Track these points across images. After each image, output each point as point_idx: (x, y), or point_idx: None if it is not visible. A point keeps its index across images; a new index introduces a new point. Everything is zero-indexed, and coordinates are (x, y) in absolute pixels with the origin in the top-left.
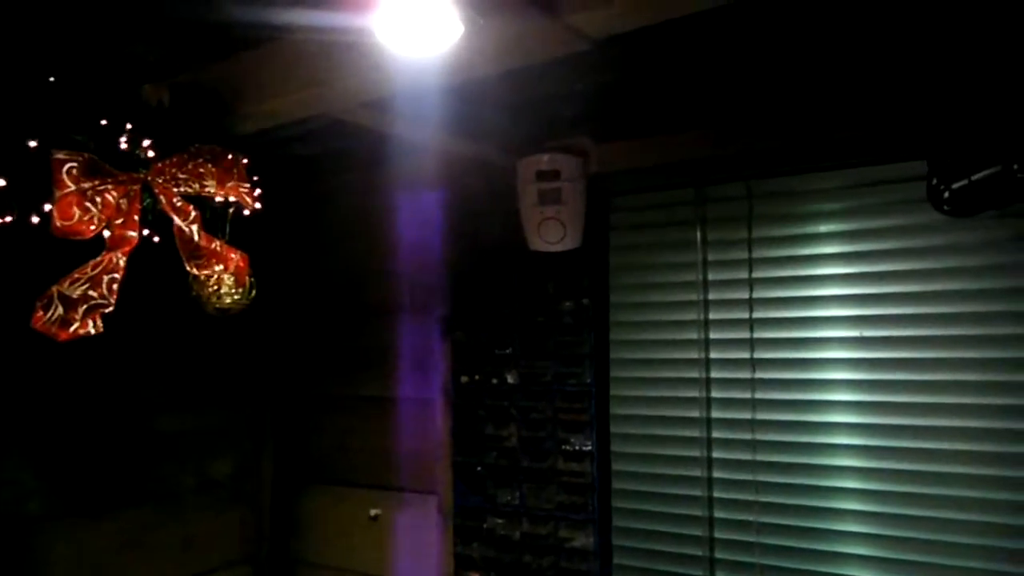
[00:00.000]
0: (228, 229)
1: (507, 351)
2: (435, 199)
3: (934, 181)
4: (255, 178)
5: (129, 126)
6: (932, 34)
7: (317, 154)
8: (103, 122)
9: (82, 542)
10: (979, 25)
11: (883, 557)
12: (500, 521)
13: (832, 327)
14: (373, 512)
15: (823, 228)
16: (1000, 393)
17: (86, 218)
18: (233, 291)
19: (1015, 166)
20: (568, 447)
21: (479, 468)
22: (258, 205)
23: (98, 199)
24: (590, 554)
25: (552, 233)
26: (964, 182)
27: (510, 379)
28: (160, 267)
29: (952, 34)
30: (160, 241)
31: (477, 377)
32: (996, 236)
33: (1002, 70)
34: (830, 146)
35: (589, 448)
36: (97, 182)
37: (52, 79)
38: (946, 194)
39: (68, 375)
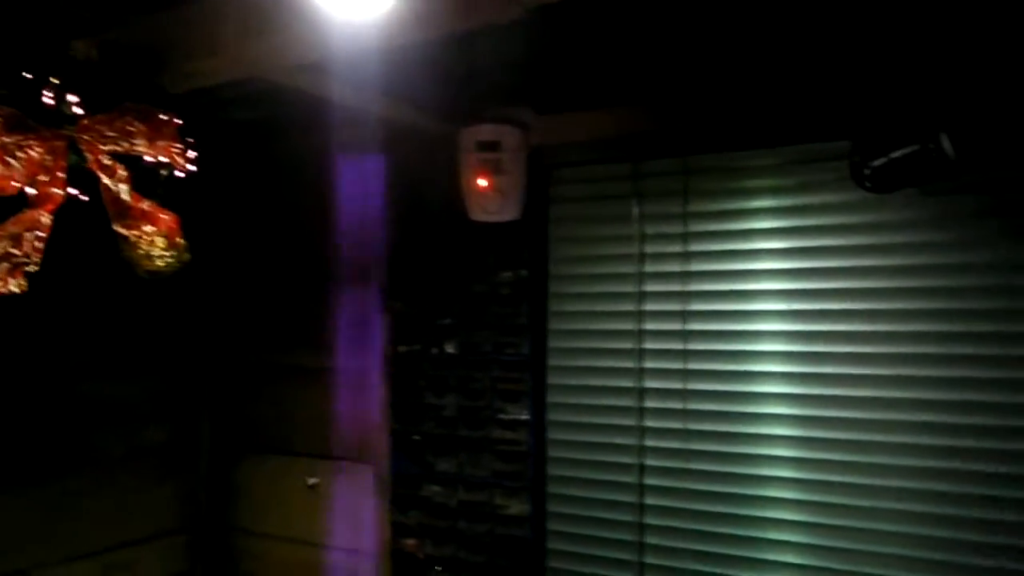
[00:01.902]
0: (161, 191)
1: (446, 321)
2: (375, 167)
3: (856, 158)
4: (189, 140)
5: (55, 81)
6: (856, 16)
7: (256, 118)
8: (26, 75)
9: (10, 512)
10: (899, 9)
11: (810, 522)
12: (437, 489)
13: (764, 300)
14: (311, 481)
15: (756, 204)
16: (921, 365)
17: (8, 173)
18: (165, 253)
19: (931, 145)
20: (505, 416)
21: (417, 437)
22: (192, 167)
23: (20, 155)
24: (525, 520)
25: (492, 203)
26: (884, 160)
27: (449, 349)
28: (89, 227)
29: (874, 17)
30: (89, 200)
31: (416, 347)
32: (918, 215)
33: (921, 52)
34: (762, 124)
35: (526, 417)
36: (19, 137)
37: None
38: (867, 171)
39: None
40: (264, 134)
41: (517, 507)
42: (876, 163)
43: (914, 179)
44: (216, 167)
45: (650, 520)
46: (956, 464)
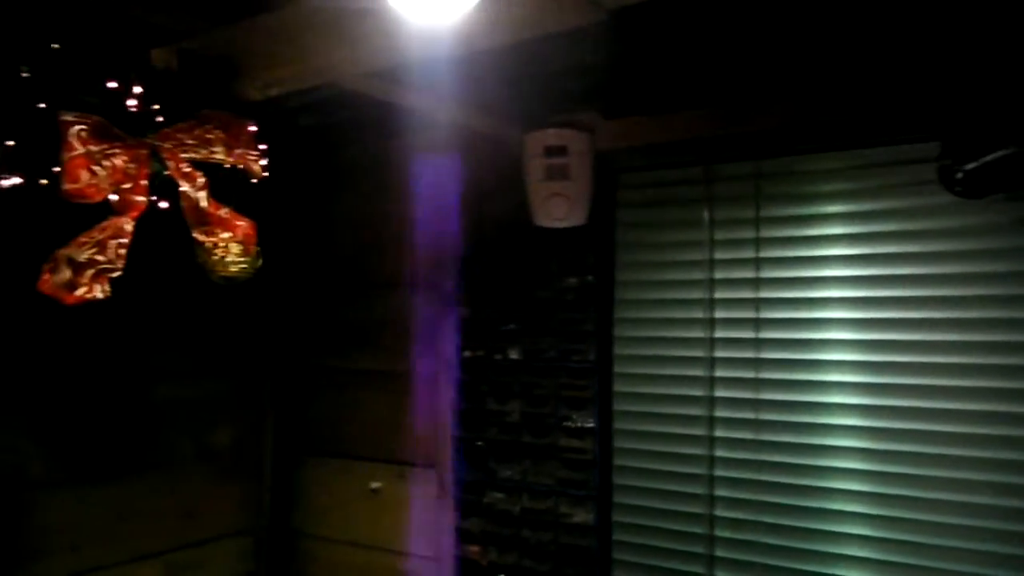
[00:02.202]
0: (235, 197)
1: (511, 327)
2: (443, 173)
3: (947, 162)
4: (263, 146)
5: (138, 89)
6: (948, 12)
7: (325, 124)
8: (112, 85)
9: (82, 509)
10: (996, 3)
11: (882, 537)
12: (500, 496)
13: (839, 309)
14: (373, 485)
15: (830, 209)
16: (1006, 377)
17: (94, 181)
18: (239, 259)
19: None
20: (570, 423)
21: (480, 443)
22: (265, 173)
23: (106, 163)
24: (590, 529)
25: (558, 209)
26: (977, 163)
27: (513, 355)
28: (166, 233)
29: (968, 13)
30: (168, 207)
31: (480, 352)
32: (1003, 219)
33: (1018, 50)
34: (840, 126)
35: (591, 425)
36: (106, 146)
37: (60, 41)
38: (958, 175)
39: (71, 341)
40: (331, 140)
41: (582, 516)
42: (969, 167)
43: (1009, 184)
44: (284, 173)
45: (720, 533)
46: None
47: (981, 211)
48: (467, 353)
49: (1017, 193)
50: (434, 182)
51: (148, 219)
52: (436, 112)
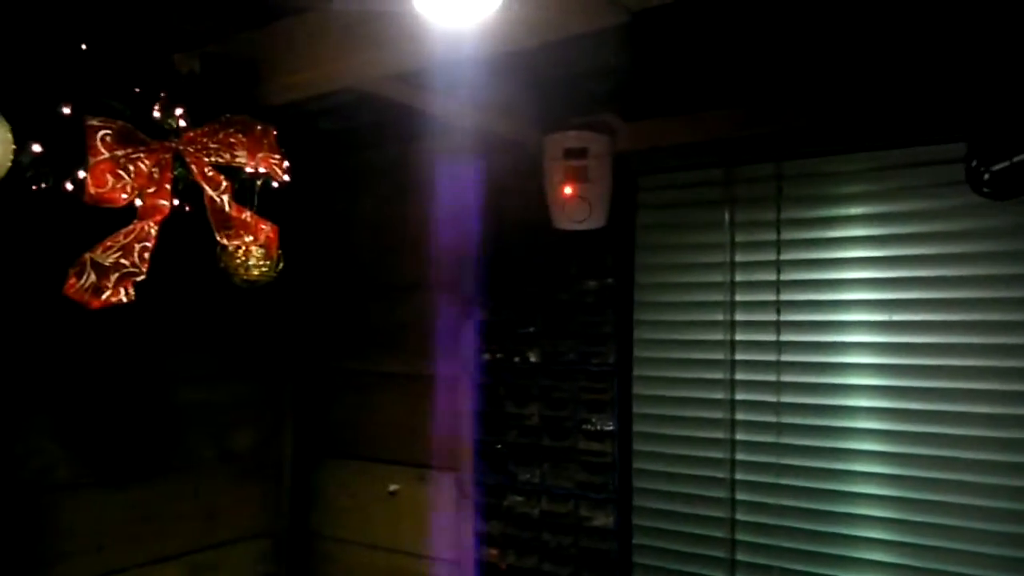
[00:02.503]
0: (257, 200)
1: (530, 329)
2: (462, 176)
3: (974, 163)
4: (284, 150)
5: (163, 94)
6: (974, 11)
7: (346, 128)
8: (137, 90)
9: (106, 510)
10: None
11: (903, 542)
12: (520, 499)
13: (862, 311)
14: (392, 488)
15: (853, 210)
16: None
17: (119, 186)
18: (261, 263)
19: None
20: (589, 427)
21: (500, 446)
22: (287, 177)
23: (131, 167)
24: (610, 533)
25: (578, 211)
26: (1006, 163)
27: (533, 358)
28: (189, 237)
29: (995, 12)
30: (191, 211)
31: (499, 355)
32: None
33: None
34: (863, 127)
35: (611, 428)
36: (130, 150)
37: (86, 45)
38: (986, 176)
39: (95, 344)
40: (351, 143)
41: (602, 519)
42: (997, 167)
43: None
44: (307, 176)
45: (742, 537)
46: None
47: (1004, 213)
48: (486, 356)
49: None
50: (454, 185)
51: (172, 223)
52: (456, 115)
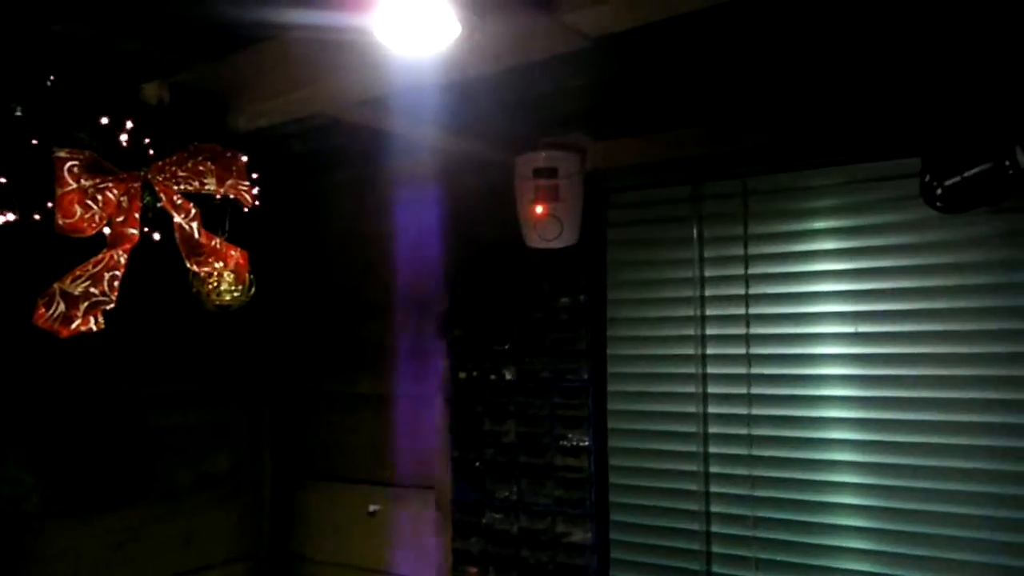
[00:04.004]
0: (228, 226)
1: (505, 347)
2: (433, 196)
3: (927, 178)
4: (254, 175)
5: (130, 124)
6: (926, 33)
7: (315, 151)
8: (104, 120)
9: (82, 539)
10: (971, 24)
11: (879, 551)
12: (498, 516)
13: (829, 323)
14: (372, 508)
15: (819, 224)
16: (996, 388)
17: (88, 216)
18: (233, 288)
19: (1006, 162)
20: (566, 443)
21: (477, 464)
22: (257, 203)
23: (99, 197)
24: (587, 548)
25: (549, 230)
26: (957, 179)
27: (508, 375)
28: (160, 264)
29: (945, 33)
30: (161, 239)
31: (475, 373)
32: (988, 232)
33: (994, 68)
34: (825, 143)
35: (587, 443)
36: (98, 180)
37: (53, 78)
38: (939, 191)
39: (68, 373)
40: (321, 167)
41: (580, 535)
42: (949, 182)
43: (988, 198)
44: (277, 200)
45: (717, 549)
46: None
47: (967, 225)
48: (462, 374)
49: (1001, 206)
50: (426, 205)
51: (143, 251)
52: (426, 138)
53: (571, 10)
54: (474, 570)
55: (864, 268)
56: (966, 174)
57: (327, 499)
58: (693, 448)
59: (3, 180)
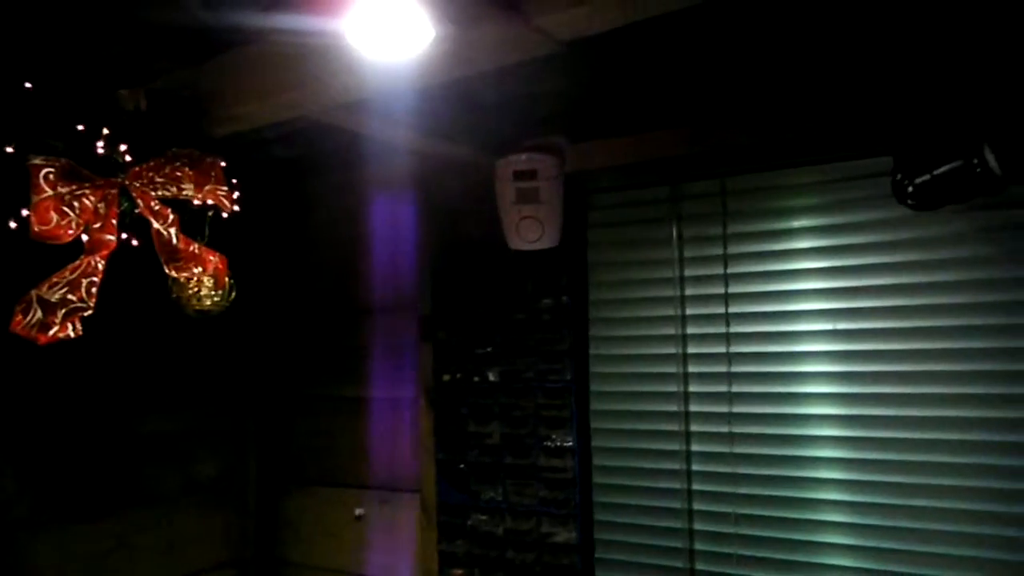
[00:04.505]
0: (207, 232)
1: (488, 349)
2: (414, 199)
3: (898, 176)
4: (233, 181)
5: (106, 131)
6: (898, 33)
7: (295, 156)
8: (79, 127)
9: (68, 546)
10: (942, 25)
11: (861, 546)
12: (483, 517)
13: (808, 321)
14: (357, 511)
15: (797, 223)
16: (971, 382)
17: (64, 222)
18: (213, 293)
19: (975, 160)
20: (550, 443)
21: (462, 465)
22: (236, 208)
23: (76, 204)
24: (572, 548)
25: (530, 232)
26: (926, 176)
27: (491, 377)
28: (139, 270)
29: (916, 33)
30: (139, 244)
31: (459, 375)
32: (962, 229)
33: (964, 68)
34: (802, 142)
35: (570, 444)
36: (74, 187)
37: (28, 85)
38: (909, 188)
39: (49, 379)
40: (302, 170)
41: (564, 535)
42: (919, 180)
43: (958, 195)
44: (257, 205)
45: (700, 547)
46: (1021, 485)
47: (941, 222)
48: (446, 376)
49: (972, 204)
50: (407, 208)
51: (123, 256)
52: (405, 141)
53: (542, 14)
54: (460, 572)
55: (842, 266)
56: (936, 172)
57: (313, 504)
58: (675, 447)
59: None
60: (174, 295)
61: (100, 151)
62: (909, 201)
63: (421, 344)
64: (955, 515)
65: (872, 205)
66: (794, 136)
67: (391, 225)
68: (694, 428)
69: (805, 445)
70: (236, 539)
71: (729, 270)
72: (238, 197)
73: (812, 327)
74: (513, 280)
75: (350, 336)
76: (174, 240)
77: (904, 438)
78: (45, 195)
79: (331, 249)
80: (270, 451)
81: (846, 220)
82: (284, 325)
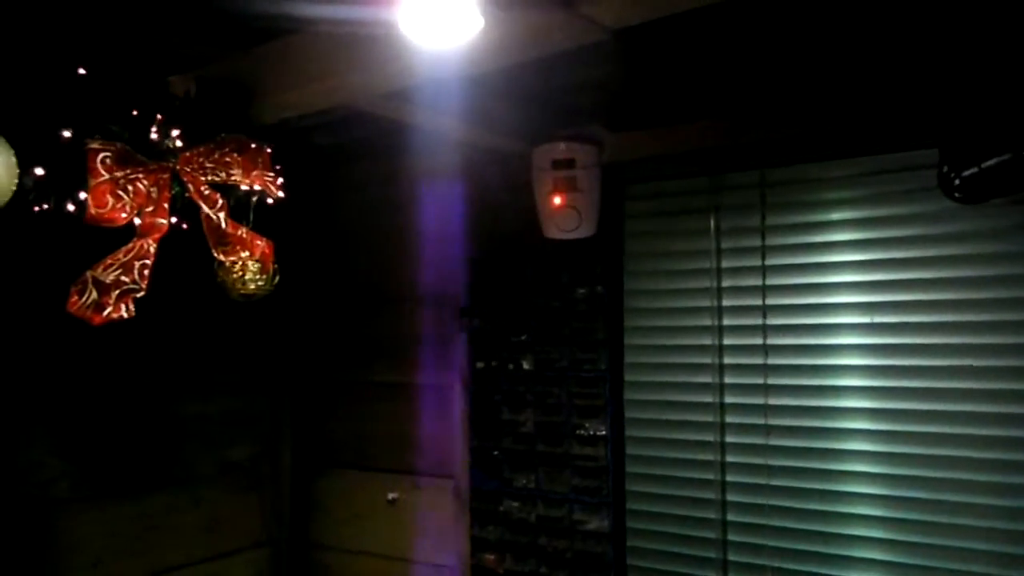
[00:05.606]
0: (252, 216)
1: (523, 337)
2: (453, 188)
3: (945, 168)
4: (278, 167)
5: (159, 117)
6: (944, 22)
7: (338, 143)
8: (135, 113)
9: (108, 524)
10: (989, 12)
11: (894, 540)
12: (516, 504)
13: (845, 313)
14: (391, 496)
15: (836, 216)
16: (1010, 378)
17: (119, 206)
18: (257, 277)
19: None
20: (583, 432)
21: (495, 452)
22: (281, 193)
23: (130, 187)
24: (604, 536)
25: (567, 221)
26: (974, 169)
27: (526, 365)
28: (187, 254)
29: (963, 22)
30: (188, 228)
31: (494, 363)
32: (1006, 223)
33: (1013, 59)
34: (843, 134)
35: (604, 433)
36: (129, 171)
37: (81, 71)
38: (956, 181)
39: (96, 359)
40: (345, 158)
41: (596, 523)
42: (966, 173)
43: (1007, 188)
44: (300, 192)
45: (733, 537)
46: None
47: (985, 215)
48: (480, 364)
49: (1018, 197)
50: (445, 197)
51: (170, 240)
52: (446, 130)
53: (590, 2)
54: (492, 557)
55: (880, 259)
56: (984, 165)
57: (347, 487)
58: (710, 438)
59: (40, 171)
60: (219, 279)
61: (154, 136)
62: (956, 194)
63: (457, 332)
64: (977, 510)
65: (912, 198)
66: (836, 128)
67: (431, 214)
68: (729, 419)
69: (840, 439)
70: (270, 520)
71: (767, 262)
72: (284, 183)
73: (850, 320)
74: (549, 269)
75: (387, 323)
76: (223, 224)
77: (942, 432)
78: (102, 179)
79: (370, 237)
80: (305, 435)
81: (886, 213)
82: (322, 311)
